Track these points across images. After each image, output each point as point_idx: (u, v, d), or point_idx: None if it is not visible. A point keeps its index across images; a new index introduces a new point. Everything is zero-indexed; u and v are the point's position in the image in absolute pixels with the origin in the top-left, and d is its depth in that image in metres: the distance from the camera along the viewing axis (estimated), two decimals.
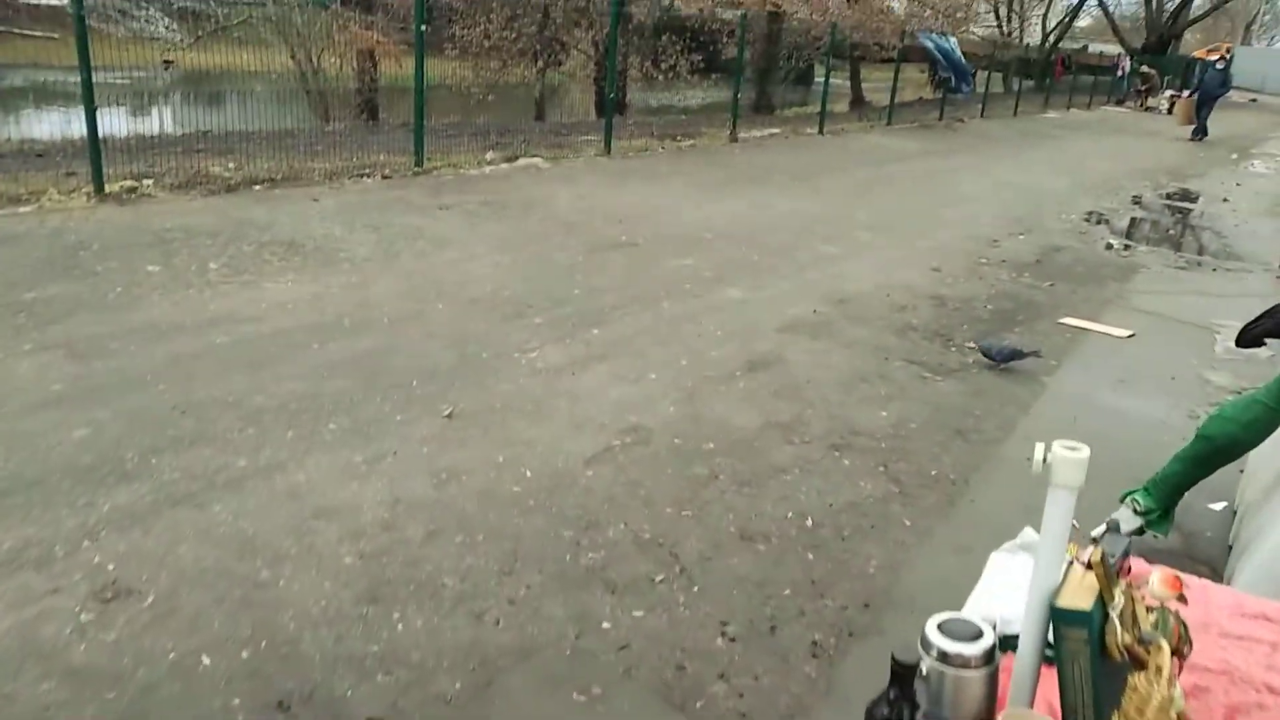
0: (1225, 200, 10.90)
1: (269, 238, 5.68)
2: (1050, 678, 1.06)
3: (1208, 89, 18.59)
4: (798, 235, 7.00)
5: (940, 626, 1.02)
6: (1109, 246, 7.63)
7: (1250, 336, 2.84)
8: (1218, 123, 19.11)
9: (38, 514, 2.62)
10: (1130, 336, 5.12)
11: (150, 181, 6.63)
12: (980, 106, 19.87)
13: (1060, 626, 1.01)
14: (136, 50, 8.31)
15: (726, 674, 2.20)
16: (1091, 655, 0.99)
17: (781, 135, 13.68)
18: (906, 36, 18.15)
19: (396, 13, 11.15)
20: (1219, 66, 18.42)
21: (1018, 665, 1.06)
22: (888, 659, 0.96)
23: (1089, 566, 1.03)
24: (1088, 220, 8.85)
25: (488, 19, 12.50)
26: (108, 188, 6.29)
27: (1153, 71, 28.34)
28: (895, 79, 17.30)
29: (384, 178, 7.85)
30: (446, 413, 3.47)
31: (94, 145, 6.20)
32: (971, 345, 4.67)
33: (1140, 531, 2.77)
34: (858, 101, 20.74)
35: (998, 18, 31.91)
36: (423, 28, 8.33)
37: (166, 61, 9.43)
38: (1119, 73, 29.43)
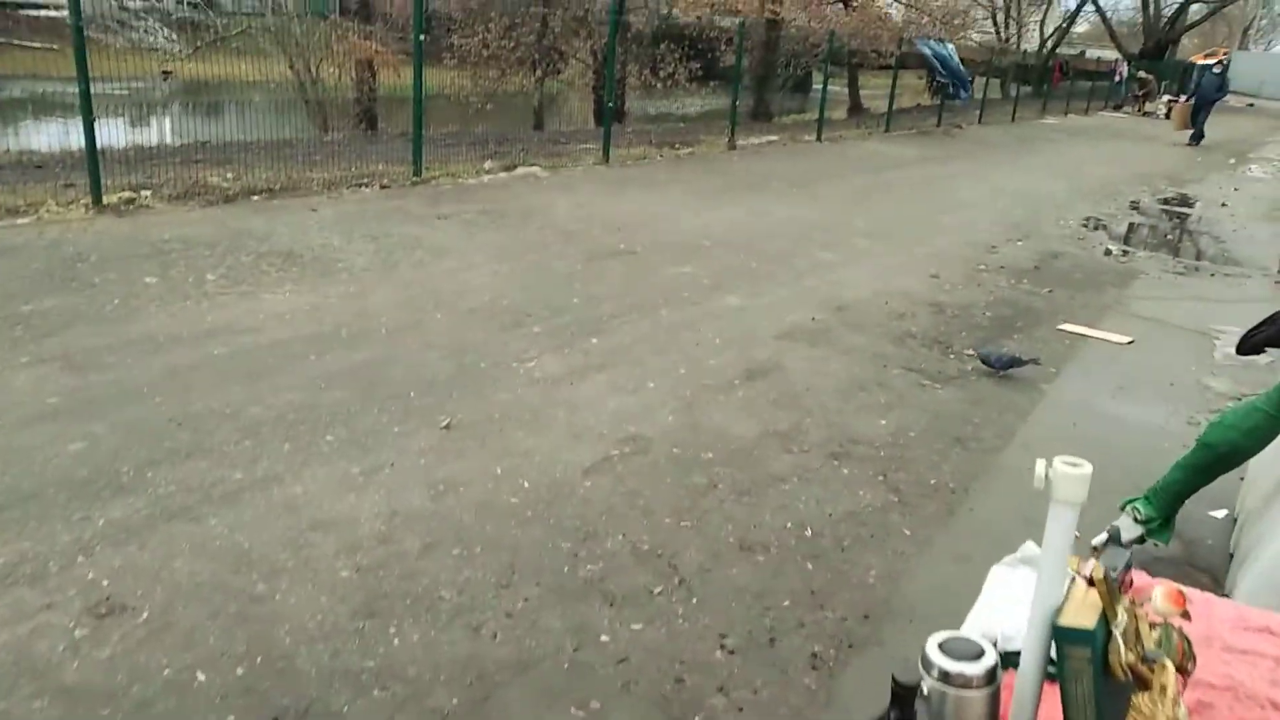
0: (1223, 205, 10.91)
1: (267, 248, 5.67)
2: (1052, 696, 1.04)
3: (1205, 94, 18.62)
4: (796, 242, 7.00)
5: (941, 645, 1.01)
6: (1107, 252, 7.63)
7: (1251, 344, 2.83)
8: (1215, 127, 19.13)
9: (33, 528, 2.61)
10: (1129, 343, 5.11)
11: (148, 192, 6.63)
12: (978, 112, 19.90)
13: (1063, 645, 0.99)
14: (135, 61, 8.28)
15: (725, 687, 2.18)
16: (1095, 674, 0.98)
17: (780, 142, 13.69)
18: (904, 43, 18.19)
19: (395, 22, 11.15)
20: (1216, 71, 18.46)
21: (1019, 684, 1.04)
22: (887, 671, 0.96)
23: (1091, 582, 1.02)
24: (1086, 226, 8.85)
25: (486, 28, 12.51)
26: (106, 199, 6.28)
27: (1150, 77, 28.41)
28: (893, 86, 17.34)
29: (382, 187, 7.84)
30: (444, 424, 3.46)
31: (92, 156, 6.20)
32: (970, 352, 4.66)
33: (1141, 540, 2.75)
34: (856, 108, 20.76)
35: (995, 24, 32.06)
36: (421, 37, 8.33)
37: (165, 72, 9.46)
38: (1116, 78, 29.55)
